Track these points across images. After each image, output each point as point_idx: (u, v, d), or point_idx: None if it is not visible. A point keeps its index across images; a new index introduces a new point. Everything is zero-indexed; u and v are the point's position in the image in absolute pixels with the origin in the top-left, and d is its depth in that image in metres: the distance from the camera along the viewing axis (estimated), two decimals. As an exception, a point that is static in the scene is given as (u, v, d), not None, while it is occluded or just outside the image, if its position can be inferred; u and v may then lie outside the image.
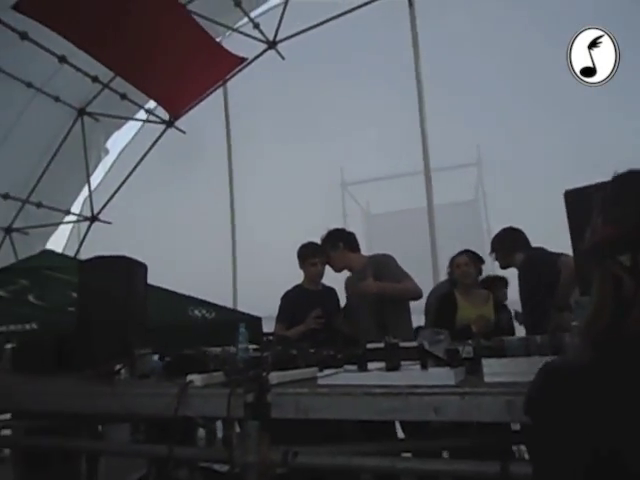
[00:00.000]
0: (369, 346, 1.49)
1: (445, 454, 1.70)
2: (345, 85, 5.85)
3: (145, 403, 1.54)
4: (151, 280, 2.64)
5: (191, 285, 4.47)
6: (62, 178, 6.38)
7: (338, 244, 3.19)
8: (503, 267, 3.34)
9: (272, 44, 5.90)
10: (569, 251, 2.19)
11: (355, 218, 6.38)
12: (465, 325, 2.99)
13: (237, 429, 1.49)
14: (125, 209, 6.55)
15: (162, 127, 6.48)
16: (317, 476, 2.72)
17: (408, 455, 1.57)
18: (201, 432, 3.03)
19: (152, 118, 6.47)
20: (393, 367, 1.36)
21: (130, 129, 6.88)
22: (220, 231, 6.45)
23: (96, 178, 6.78)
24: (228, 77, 6.14)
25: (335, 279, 3.53)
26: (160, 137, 6.52)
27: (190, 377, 1.53)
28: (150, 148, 6.53)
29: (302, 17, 5.76)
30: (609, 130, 4.80)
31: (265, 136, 6.22)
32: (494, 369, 1.28)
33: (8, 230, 6.21)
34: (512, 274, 3.50)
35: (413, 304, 3.19)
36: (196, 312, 4.28)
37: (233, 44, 5.71)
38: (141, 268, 2.43)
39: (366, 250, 3.54)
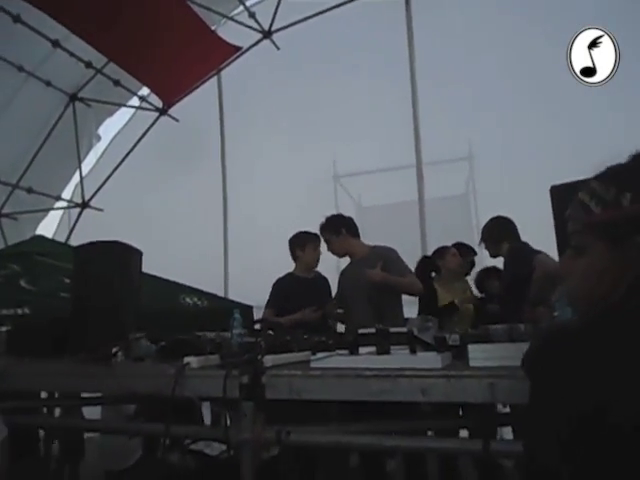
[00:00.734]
0: (360, 331, 1.55)
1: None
2: (339, 77, 5.87)
3: (143, 383, 1.59)
4: (143, 267, 2.67)
5: (183, 273, 4.50)
6: (53, 164, 6.34)
7: (340, 229, 3.23)
8: (492, 256, 3.39)
9: (267, 34, 5.90)
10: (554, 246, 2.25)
11: (347, 210, 6.38)
12: (450, 302, 3.12)
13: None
14: (116, 196, 6.53)
15: (155, 114, 6.46)
16: (308, 461, 2.80)
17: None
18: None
19: (145, 105, 6.45)
20: (383, 351, 1.42)
21: (122, 116, 6.86)
22: (212, 220, 6.47)
23: (87, 164, 6.76)
24: (222, 66, 6.13)
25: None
26: (153, 125, 6.50)
27: (187, 359, 1.58)
28: (142, 136, 6.51)
29: (298, 8, 5.76)
30: (603, 127, 4.87)
31: (259, 126, 6.23)
32: (479, 354, 1.35)
33: (-3, 215, 6.18)
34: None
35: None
36: (188, 300, 4.32)
37: (228, 33, 5.70)
38: (136, 254, 2.46)
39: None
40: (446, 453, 1.24)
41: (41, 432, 2.84)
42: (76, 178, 6.63)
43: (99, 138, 6.80)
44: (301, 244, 3.44)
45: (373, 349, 1.50)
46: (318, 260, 3.47)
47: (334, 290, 3.43)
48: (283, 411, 1.48)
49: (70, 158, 6.37)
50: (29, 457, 2.64)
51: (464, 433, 1.93)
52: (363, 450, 1.72)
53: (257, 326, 2.30)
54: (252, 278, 5.61)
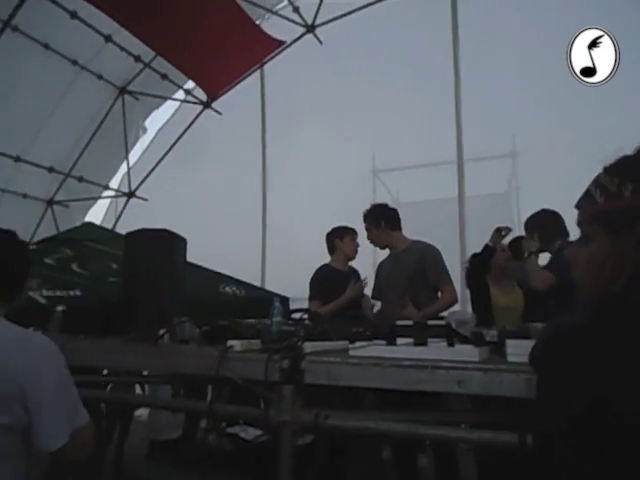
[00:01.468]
0: (398, 323, 1.58)
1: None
2: (380, 72, 5.86)
3: (189, 363, 1.68)
4: (185, 257, 2.78)
5: (222, 263, 4.62)
6: (102, 154, 6.61)
7: (380, 222, 3.24)
8: (540, 251, 3.28)
9: (310, 28, 5.94)
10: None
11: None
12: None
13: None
14: (161, 187, 6.75)
15: (199, 108, 6.63)
16: (340, 452, 2.85)
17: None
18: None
19: (190, 98, 6.62)
20: (421, 343, 1.45)
21: (168, 108, 7.07)
22: (251, 212, 6.60)
23: (134, 155, 7.01)
24: (266, 60, 6.22)
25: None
26: (197, 117, 6.67)
27: (230, 342, 1.65)
28: (187, 128, 6.69)
29: (341, 3, 5.77)
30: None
31: (300, 120, 6.29)
32: (517, 350, 1.35)
33: (50, 202, 6.51)
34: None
35: None
36: (227, 289, 4.45)
37: (272, 27, 5.77)
38: (182, 241, 2.56)
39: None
40: (480, 445, 1.27)
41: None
42: (123, 168, 6.91)
43: (145, 130, 7.03)
44: (339, 235, 3.49)
45: (410, 340, 1.53)
46: (356, 252, 3.51)
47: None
48: (319, 399, 1.54)
49: (118, 149, 6.62)
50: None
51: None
52: (399, 437, 1.75)
53: (296, 315, 2.36)
54: (289, 271, 5.70)
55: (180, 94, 6.68)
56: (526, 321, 1.74)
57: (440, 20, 5.45)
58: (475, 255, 3.46)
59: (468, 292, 3.47)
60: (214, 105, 6.52)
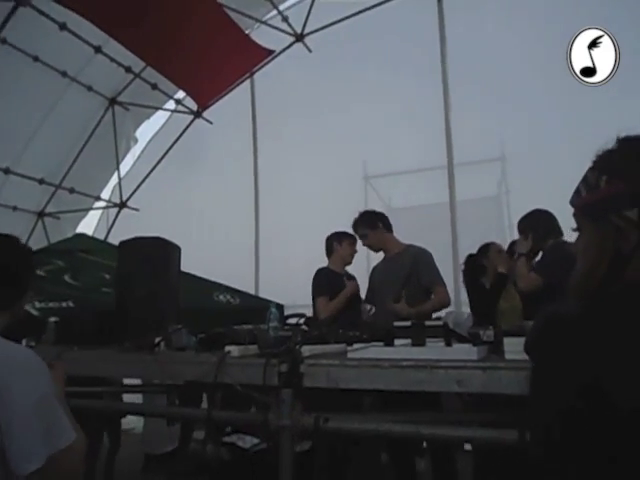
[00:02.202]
0: (396, 324, 1.59)
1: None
2: (370, 78, 5.90)
3: (187, 370, 1.67)
4: (177, 266, 2.76)
5: (215, 272, 4.61)
6: (93, 165, 6.59)
7: (377, 223, 3.29)
8: (532, 251, 3.30)
9: (300, 37, 5.98)
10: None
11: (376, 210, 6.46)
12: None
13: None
14: (152, 196, 6.73)
15: (190, 117, 6.63)
16: (339, 457, 2.84)
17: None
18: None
19: (180, 108, 6.63)
20: (419, 343, 1.46)
21: (159, 118, 7.07)
22: (244, 221, 6.59)
23: (125, 166, 6.99)
24: (256, 69, 6.25)
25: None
26: (188, 127, 6.67)
27: (227, 348, 1.65)
28: (178, 138, 6.69)
29: (330, 11, 5.82)
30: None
31: (290, 127, 6.31)
32: (515, 348, 1.36)
33: (41, 214, 6.46)
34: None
35: None
36: (221, 297, 4.44)
37: (262, 36, 5.81)
38: (176, 249, 2.56)
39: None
40: (481, 443, 1.27)
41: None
42: (114, 179, 6.87)
43: (136, 140, 7.02)
44: (338, 239, 3.52)
45: (408, 341, 1.53)
46: (353, 256, 3.53)
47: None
48: (318, 403, 1.53)
49: (109, 160, 6.60)
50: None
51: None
52: (399, 438, 1.75)
53: (291, 320, 2.36)
54: (282, 278, 5.70)
55: (171, 104, 6.69)
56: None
57: (428, 26, 5.52)
58: (470, 256, 3.49)
59: (463, 295, 3.49)
60: (205, 114, 6.53)
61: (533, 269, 3.06)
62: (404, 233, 4.48)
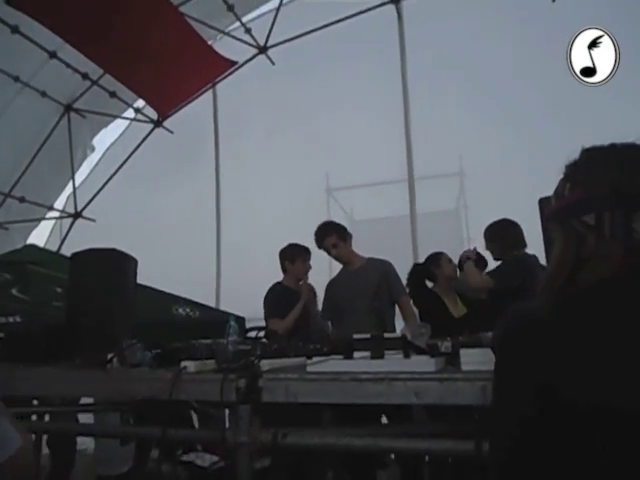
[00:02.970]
0: (355, 336, 1.58)
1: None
2: (333, 92, 5.98)
3: (140, 388, 1.60)
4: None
5: (175, 285, 4.51)
6: (46, 174, 6.33)
7: (346, 236, 3.33)
8: (496, 259, 3.39)
9: (263, 49, 6.00)
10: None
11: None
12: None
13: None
14: (109, 207, 6.53)
15: (150, 126, 6.51)
16: (298, 475, 2.80)
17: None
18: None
19: (140, 117, 6.49)
20: (378, 356, 1.46)
21: (117, 127, 6.88)
22: (205, 232, 6.49)
23: (81, 175, 6.76)
24: (218, 80, 6.21)
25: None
26: (147, 136, 6.54)
27: (183, 364, 1.60)
28: (137, 147, 6.54)
29: (293, 24, 5.87)
30: (597, 140, 4.96)
31: (253, 139, 6.30)
32: (470, 359, 1.38)
33: (-12, 224, 6.14)
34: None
35: None
36: (180, 310, 4.33)
37: (224, 47, 5.79)
38: (132, 261, 2.48)
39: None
40: (438, 454, 1.28)
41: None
42: (69, 188, 6.63)
43: (93, 149, 6.81)
44: (290, 257, 3.50)
45: (367, 354, 1.53)
46: (307, 273, 3.51)
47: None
48: (279, 419, 1.51)
49: (64, 168, 6.37)
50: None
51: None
52: (358, 451, 1.74)
53: (251, 334, 2.32)
54: (244, 291, 5.62)
55: (130, 112, 6.54)
56: (469, 331, 1.79)
57: (389, 40, 5.65)
58: (417, 265, 3.58)
59: None
60: (165, 124, 6.42)
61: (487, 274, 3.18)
62: (366, 245, 4.52)
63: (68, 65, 5.44)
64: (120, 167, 6.58)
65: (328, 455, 2.72)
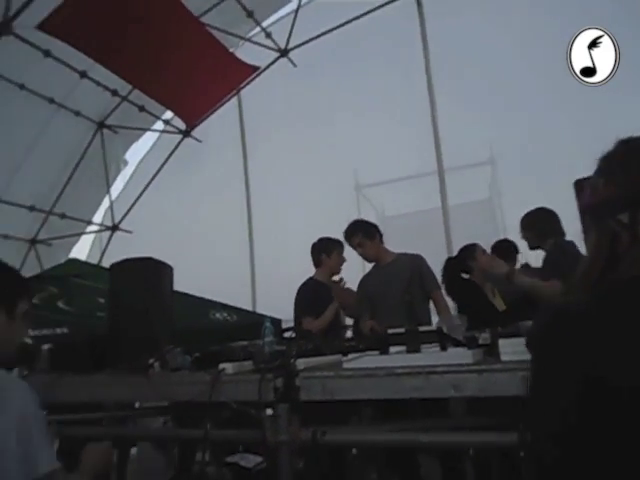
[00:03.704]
0: (390, 331, 1.57)
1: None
2: (356, 89, 5.96)
3: (181, 391, 1.64)
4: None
5: (211, 290, 4.58)
6: (84, 189, 6.58)
7: (375, 234, 3.30)
8: (532, 248, 3.33)
9: (284, 52, 6.04)
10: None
11: (370, 220, 6.46)
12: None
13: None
14: (145, 218, 6.72)
15: (179, 137, 6.65)
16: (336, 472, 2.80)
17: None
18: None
19: (169, 128, 6.65)
20: (413, 350, 1.44)
21: (148, 140, 7.09)
22: (238, 236, 6.58)
23: (116, 189, 6.99)
24: (242, 86, 6.29)
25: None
26: (177, 147, 6.69)
27: (222, 366, 1.62)
28: (168, 158, 6.71)
29: (313, 24, 5.89)
30: (628, 124, 4.79)
31: (279, 142, 6.34)
32: (510, 349, 1.35)
33: (33, 242, 6.42)
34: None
35: None
36: (217, 315, 4.39)
37: (246, 53, 5.86)
38: (168, 269, 2.54)
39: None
40: (481, 447, 1.25)
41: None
42: (106, 202, 6.86)
43: (126, 163, 7.04)
44: (327, 250, 3.49)
45: (403, 348, 1.52)
46: (341, 266, 3.52)
47: None
48: (317, 416, 1.51)
49: (100, 183, 6.60)
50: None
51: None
52: (398, 447, 1.72)
53: (287, 334, 2.33)
54: (279, 292, 5.66)
55: (159, 125, 6.72)
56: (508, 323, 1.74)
57: (410, 33, 5.58)
58: (450, 259, 3.53)
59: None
60: (193, 133, 6.55)
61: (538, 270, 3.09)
62: (398, 240, 4.47)
63: (98, 83, 5.62)
64: (152, 179, 6.76)
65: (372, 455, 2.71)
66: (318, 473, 2.61)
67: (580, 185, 1.86)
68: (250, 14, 5.61)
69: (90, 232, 7.05)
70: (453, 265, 3.42)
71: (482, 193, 6.45)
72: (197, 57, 5.25)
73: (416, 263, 3.19)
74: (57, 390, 1.84)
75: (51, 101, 5.58)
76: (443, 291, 3.28)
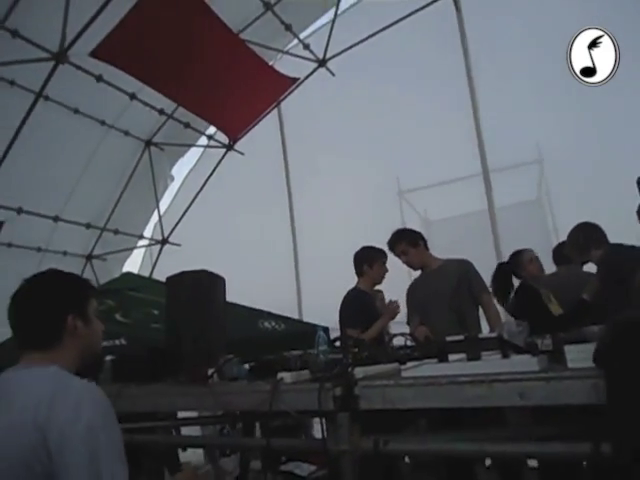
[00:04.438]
0: (448, 339, 1.55)
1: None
2: (396, 94, 5.93)
3: (241, 400, 1.68)
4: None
5: (258, 300, 4.65)
6: (134, 205, 6.85)
7: (418, 242, 3.28)
8: (580, 263, 3.26)
9: (322, 62, 6.10)
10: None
11: (413, 225, 6.36)
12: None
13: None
14: (192, 231, 6.92)
15: (222, 151, 6.83)
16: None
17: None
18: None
19: (213, 143, 6.83)
20: (474, 357, 1.41)
21: (193, 155, 7.31)
22: (282, 245, 6.67)
23: (164, 204, 7.25)
24: (282, 97, 6.39)
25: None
26: (221, 160, 6.86)
27: (280, 375, 1.65)
28: (212, 172, 6.89)
29: (349, 33, 5.92)
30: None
31: (321, 151, 6.40)
32: (577, 355, 1.30)
33: (89, 257, 6.73)
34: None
35: None
36: (266, 324, 4.45)
37: (285, 65, 5.96)
38: (220, 280, 2.60)
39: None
40: (551, 458, 1.21)
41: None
42: (155, 217, 7.12)
43: (173, 178, 7.28)
44: (369, 260, 3.48)
45: (462, 356, 1.49)
46: (384, 277, 3.49)
47: None
48: (372, 428, 1.50)
49: (149, 199, 6.85)
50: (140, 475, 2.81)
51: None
52: (460, 456, 1.69)
53: (338, 343, 2.34)
54: (325, 300, 5.68)
55: (203, 140, 6.91)
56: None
57: (448, 35, 5.52)
58: (501, 264, 3.46)
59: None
60: (236, 147, 6.71)
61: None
62: (444, 246, 4.40)
63: (146, 104, 5.86)
64: (198, 192, 6.96)
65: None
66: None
67: (643, 183, 1.79)
68: (288, 27, 5.71)
69: (141, 246, 7.34)
70: (505, 270, 3.35)
71: (529, 193, 6.26)
72: (238, 72, 5.38)
73: (463, 268, 3.15)
74: (123, 400, 1.92)
75: (102, 123, 5.86)
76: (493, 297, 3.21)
